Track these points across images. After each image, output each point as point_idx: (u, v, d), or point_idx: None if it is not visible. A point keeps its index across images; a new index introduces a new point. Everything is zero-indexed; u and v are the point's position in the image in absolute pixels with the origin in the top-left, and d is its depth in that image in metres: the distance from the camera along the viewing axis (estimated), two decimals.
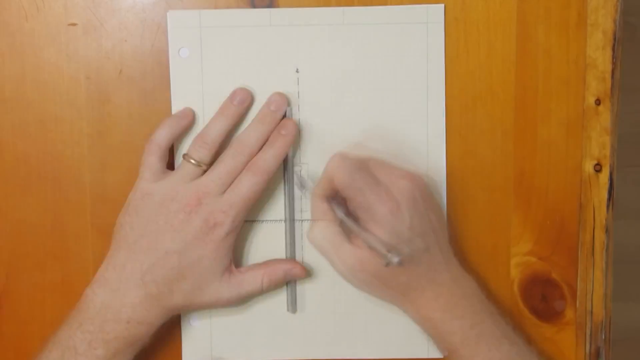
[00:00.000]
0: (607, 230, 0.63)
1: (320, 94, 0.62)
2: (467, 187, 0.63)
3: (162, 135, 0.60)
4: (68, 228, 0.63)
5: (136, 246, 0.58)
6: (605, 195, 0.63)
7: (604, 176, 0.63)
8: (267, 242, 0.63)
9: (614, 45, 0.62)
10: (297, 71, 0.62)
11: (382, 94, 0.62)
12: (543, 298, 0.64)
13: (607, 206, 0.63)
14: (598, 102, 0.62)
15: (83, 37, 0.62)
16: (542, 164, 0.63)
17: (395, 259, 0.54)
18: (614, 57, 0.62)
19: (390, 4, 0.62)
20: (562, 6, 0.62)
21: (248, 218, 0.62)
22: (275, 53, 0.62)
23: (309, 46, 0.62)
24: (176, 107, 0.62)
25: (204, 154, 0.59)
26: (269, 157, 0.59)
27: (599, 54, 0.62)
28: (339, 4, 0.62)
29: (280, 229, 0.63)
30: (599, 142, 0.63)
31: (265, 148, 0.59)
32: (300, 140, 0.62)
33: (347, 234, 0.58)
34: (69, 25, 0.62)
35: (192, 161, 0.58)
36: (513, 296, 0.64)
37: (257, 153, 0.59)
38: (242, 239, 0.63)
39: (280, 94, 0.61)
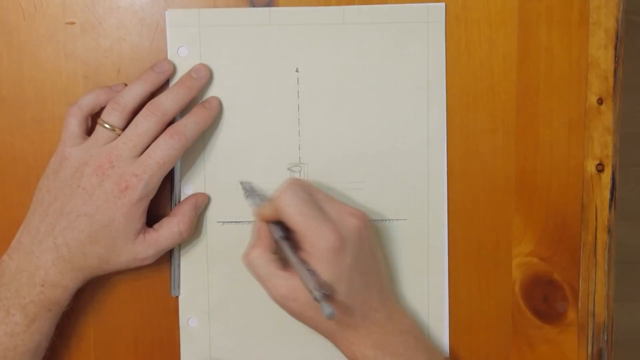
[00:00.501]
0: (609, 231, 0.63)
1: (320, 94, 0.62)
2: (468, 187, 0.63)
3: (86, 100, 0.60)
4: None
5: (50, 209, 0.58)
6: (607, 195, 0.63)
7: (606, 176, 0.63)
8: None
9: (616, 44, 0.62)
10: (297, 70, 0.62)
11: (383, 93, 0.62)
12: (545, 299, 0.64)
13: (610, 206, 0.63)
14: (600, 101, 0.62)
15: (81, 36, 0.62)
16: (544, 163, 0.63)
17: (327, 311, 0.52)
18: (616, 56, 0.62)
19: (391, 3, 0.62)
20: (564, 5, 0.62)
21: (248, 219, 0.62)
22: (275, 52, 0.62)
23: (309, 45, 0.62)
24: None
25: (117, 118, 0.58)
26: (189, 123, 0.59)
27: (601, 53, 0.62)
28: (339, 3, 0.62)
29: None
30: (601, 142, 0.63)
31: (186, 116, 0.59)
32: (300, 140, 0.63)
33: (284, 261, 0.58)
34: (66, 24, 0.62)
35: (106, 125, 0.58)
36: (514, 297, 0.64)
37: (172, 117, 0.59)
38: (242, 239, 0.63)
39: (205, 65, 0.61)
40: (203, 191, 0.63)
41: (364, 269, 0.57)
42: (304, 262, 0.55)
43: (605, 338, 0.64)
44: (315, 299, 0.52)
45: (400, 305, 0.61)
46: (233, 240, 0.63)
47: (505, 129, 0.63)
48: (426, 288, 0.64)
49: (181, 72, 0.62)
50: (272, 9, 0.62)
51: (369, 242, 0.58)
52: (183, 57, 0.62)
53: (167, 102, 0.59)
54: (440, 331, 0.64)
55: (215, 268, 0.63)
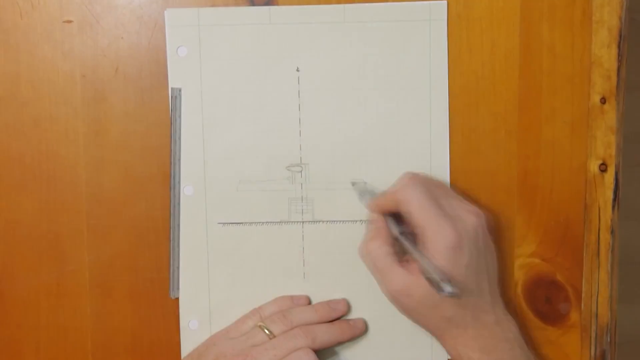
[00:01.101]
0: (612, 231, 0.63)
1: (322, 93, 0.62)
2: (470, 188, 0.63)
3: (268, 310, 0.62)
4: (63, 229, 0.63)
5: None
6: (610, 195, 0.63)
7: (610, 176, 0.63)
8: (268, 244, 0.63)
9: (619, 42, 0.62)
10: (297, 70, 0.62)
11: (384, 93, 0.62)
12: (547, 300, 0.64)
13: (613, 206, 0.63)
14: (603, 100, 0.62)
15: (78, 34, 0.62)
16: (547, 163, 0.63)
17: (449, 289, 0.52)
18: (619, 54, 0.62)
19: (392, 1, 0.62)
20: (566, 3, 0.62)
21: (249, 220, 0.62)
22: (275, 52, 0.62)
23: (309, 44, 0.62)
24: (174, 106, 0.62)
25: (279, 330, 0.59)
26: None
27: (604, 52, 0.62)
28: (339, 2, 0.62)
29: (280, 230, 0.63)
30: (604, 142, 0.63)
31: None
32: (301, 140, 0.63)
33: (399, 255, 0.58)
34: (64, 22, 0.62)
35: (266, 331, 0.59)
36: (517, 298, 0.64)
37: (318, 348, 0.59)
38: (243, 241, 0.63)
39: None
40: (203, 192, 0.62)
41: (477, 269, 0.57)
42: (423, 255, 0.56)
43: (609, 340, 0.64)
44: (439, 284, 0.53)
45: (507, 311, 0.60)
46: (234, 241, 0.63)
47: (507, 129, 0.63)
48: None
49: (180, 72, 0.61)
50: (272, 7, 0.61)
51: (483, 242, 0.58)
52: (182, 57, 0.62)
53: (323, 334, 0.60)
54: None
55: (216, 270, 0.63)
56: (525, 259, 0.64)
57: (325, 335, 0.60)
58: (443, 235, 0.55)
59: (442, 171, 0.63)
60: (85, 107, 0.62)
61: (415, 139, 0.62)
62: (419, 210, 0.56)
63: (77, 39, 0.62)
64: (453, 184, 0.63)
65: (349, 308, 0.63)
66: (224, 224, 0.63)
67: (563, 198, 0.63)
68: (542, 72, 0.62)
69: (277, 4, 0.62)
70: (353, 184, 0.62)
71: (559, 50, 0.62)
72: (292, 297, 0.63)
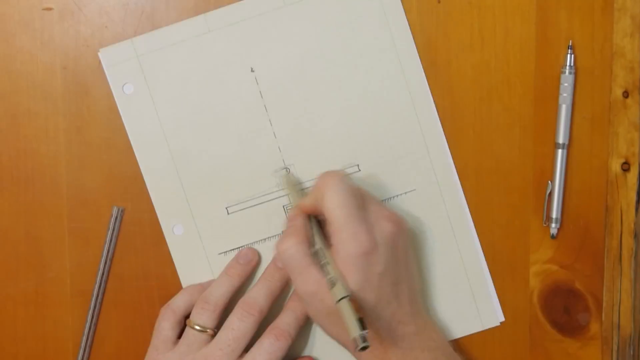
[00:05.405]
0: (635, 236, 0.63)
1: (284, 88, 0.62)
2: (482, 189, 0.63)
3: (180, 302, 0.60)
4: (43, 233, 0.63)
5: None
6: (633, 196, 0.63)
7: (633, 176, 0.63)
8: (269, 260, 0.63)
9: None
10: (252, 70, 0.62)
11: (349, 68, 0.62)
12: (565, 310, 0.64)
13: (636, 209, 0.63)
14: (626, 94, 0.62)
15: (59, 22, 0.62)
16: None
17: (361, 344, 0.51)
18: None
19: None
20: None
21: (249, 241, 0.62)
22: (224, 58, 0.61)
23: (256, 41, 0.61)
24: (136, 144, 0.61)
25: (209, 318, 0.58)
26: (291, 321, 0.59)
27: (627, 42, 0.62)
28: None
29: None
30: (626, 139, 0.62)
31: (285, 311, 0.60)
32: (278, 142, 0.62)
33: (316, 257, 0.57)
34: (43, 9, 0.62)
35: (197, 327, 0.58)
36: (532, 308, 0.64)
37: (266, 313, 0.59)
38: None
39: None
40: (194, 227, 0.62)
41: (395, 278, 0.56)
42: (335, 267, 0.55)
43: (632, 353, 0.64)
44: (354, 338, 0.51)
45: (432, 320, 0.61)
46: None
47: (522, 125, 0.62)
48: (456, 246, 0.63)
49: (130, 111, 0.61)
50: (207, 14, 0.61)
51: (403, 250, 0.58)
52: (130, 94, 0.61)
53: (261, 299, 0.59)
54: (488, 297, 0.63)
55: None
56: (542, 266, 0.63)
57: (260, 295, 0.59)
58: (355, 240, 0.54)
59: (434, 129, 0.62)
60: (66, 102, 0.62)
61: (396, 105, 0.62)
62: (338, 208, 0.55)
63: (57, 28, 0.62)
64: (464, 184, 0.63)
65: (259, 257, 0.62)
66: (225, 252, 0.62)
67: (582, 200, 0.63)
68: (559, 64, 0.62)
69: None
70: (275, 172, 0.62)
71: (578, 40, 0.62)
72: (199, 285, 0.61)
